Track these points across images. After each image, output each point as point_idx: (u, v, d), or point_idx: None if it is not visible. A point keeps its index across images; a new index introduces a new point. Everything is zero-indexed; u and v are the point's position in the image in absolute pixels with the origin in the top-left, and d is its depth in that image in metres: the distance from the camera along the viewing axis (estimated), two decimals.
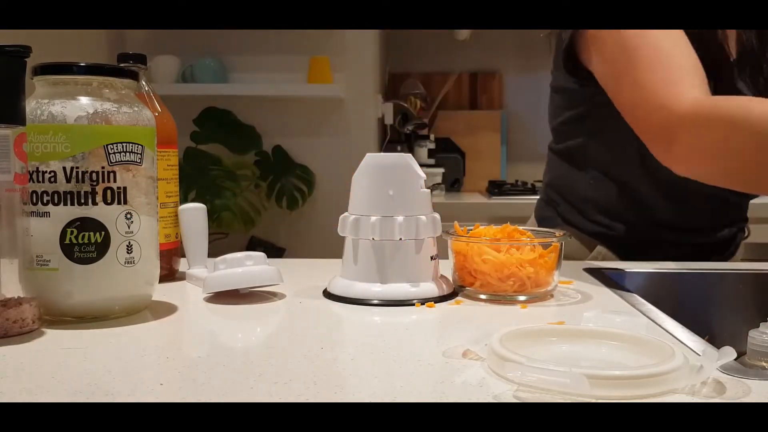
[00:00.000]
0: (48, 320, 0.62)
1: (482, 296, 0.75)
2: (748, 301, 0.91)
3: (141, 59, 0.83)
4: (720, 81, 0.94)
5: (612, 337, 0.54)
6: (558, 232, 0.78)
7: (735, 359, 0.47)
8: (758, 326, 0.67)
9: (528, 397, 0.44)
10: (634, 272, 0.93)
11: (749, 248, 1.73)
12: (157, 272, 0.69)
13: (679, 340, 0.58)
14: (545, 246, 0.75)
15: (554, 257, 0.75)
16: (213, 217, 2.31)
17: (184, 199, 2.10)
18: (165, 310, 0.69)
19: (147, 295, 0.68)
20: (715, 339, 0.85)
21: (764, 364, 0.65)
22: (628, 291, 0.79)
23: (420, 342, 0.59)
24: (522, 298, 0.74)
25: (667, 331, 0.61)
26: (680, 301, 0.92)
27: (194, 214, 0.84)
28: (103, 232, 0.62)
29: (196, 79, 2.47)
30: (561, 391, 0.44)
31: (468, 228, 0.81)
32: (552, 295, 0.76)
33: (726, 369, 0.49)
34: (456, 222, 0.82)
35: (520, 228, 0.79)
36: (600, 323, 0.57)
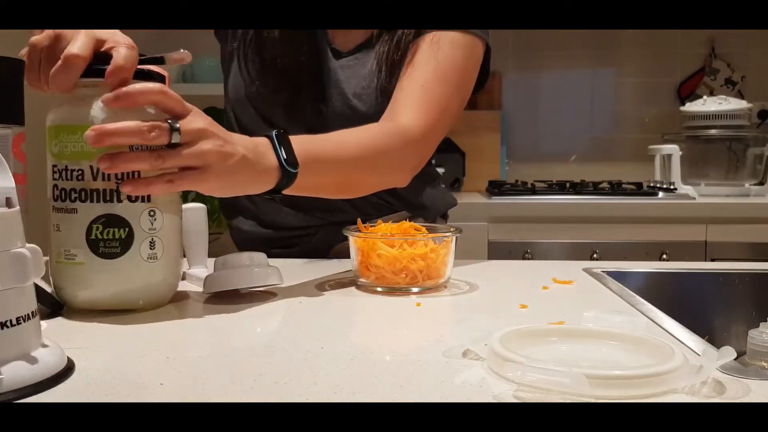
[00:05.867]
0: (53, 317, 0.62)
1: (378, 288, 0.78)
2: (748, 301, 0.91)
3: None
4: None
5: (612, 337, 0.54)
6: (452, 228, 0.82)
7: (735, 359, 0.47)
8: (758, 326, 0.67)
9: (528, 397, 0.44)
10: (634, 272, 0.93)
11: (750, 248, 1.72)
12: (180, 268, 0.71)
13: (679, 340, 0.58)
14: (438, 241, 0.78)
15: (446, 252, 0.78)
16: (213, 217, 2.31)
17: (185, 199, 2.10)
18: (165, 310, 0.69)
19: (169, 290, 0.70)
20: (715, 339, 0.85)
21: (764, 364, 0.65)
22: (628, 291, 0.79)
23: (420, 342, 0.59)
24: (415, 289, 0.77)
25: (667, 331, 0.61)
26: (680, 301, 0.92)
27: (194, 214, 0.84)
28: (127, 229, 0.64)
29: (196, 79, 2.47)
30: (561, 391, 0.44)
31: (371, 225, 0.84)
32: (446, 286, 0.80)
33: (726, 369, 0.49)
34: (359, 219, 0.85)
35: (417, 224, 0.83)
36: (600, 323, 0.57)
